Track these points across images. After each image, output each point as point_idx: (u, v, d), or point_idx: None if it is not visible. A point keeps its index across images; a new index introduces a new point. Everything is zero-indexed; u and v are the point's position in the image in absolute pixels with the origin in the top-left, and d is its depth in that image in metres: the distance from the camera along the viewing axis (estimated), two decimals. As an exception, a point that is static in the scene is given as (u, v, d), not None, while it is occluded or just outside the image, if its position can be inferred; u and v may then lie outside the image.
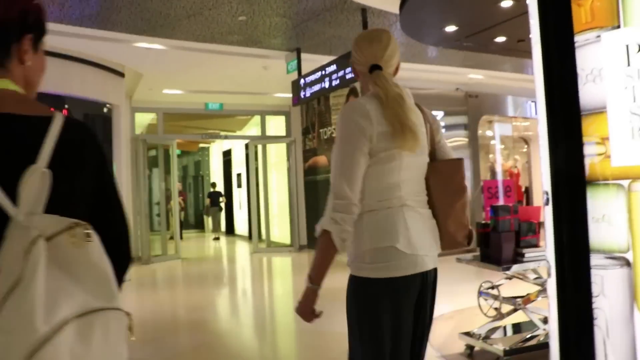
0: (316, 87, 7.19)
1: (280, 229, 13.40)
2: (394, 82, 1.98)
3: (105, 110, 8.66)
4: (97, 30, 6.74)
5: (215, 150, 20.08)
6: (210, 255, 13.22)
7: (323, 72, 7.05)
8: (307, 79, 7.48)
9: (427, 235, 1.91)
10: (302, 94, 7.60)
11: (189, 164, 23.31)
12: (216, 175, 19.94)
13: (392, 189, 1.87)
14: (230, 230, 17.97)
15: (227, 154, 18.42)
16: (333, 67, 6.79)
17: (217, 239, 16.47)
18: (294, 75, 7.88)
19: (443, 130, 2.23)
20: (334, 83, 6.76)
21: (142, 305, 7.18)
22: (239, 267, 11.19)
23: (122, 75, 8.85)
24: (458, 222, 1.98)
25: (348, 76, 6.40)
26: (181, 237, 16.54)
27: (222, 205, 17.05)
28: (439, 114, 10.27)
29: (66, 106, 8.01)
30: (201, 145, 20.56)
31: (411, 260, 1.84)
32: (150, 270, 10.27)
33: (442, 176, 1.99)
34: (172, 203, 14.68)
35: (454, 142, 10.43)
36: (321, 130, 11.85)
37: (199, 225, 20.39)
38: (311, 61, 7.57)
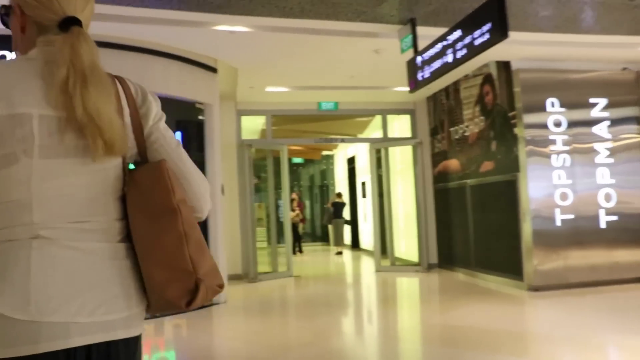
0: (437, 64, 5.48)
1: (407, 244, 11.71)
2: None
3: (196, 110, 7.57)
4: (168, 12, 5.60)
5: (340, 157, 18.87)
6: (326, 273, 11.80)
7: (445, 43, 5.33)
8: (424, 55, 5.79)
9: (81, 287, 1.24)
10: (419, 75, 5.92)
11: (315, 173, 22.35)
12: (341, 184, 18.73)
13: (14, 211, 1.24)
14: (355, 244, 16.56)
15: (351, 161, 17.11)
16: (457, 34, 5.06)
17: (339, 253, 15.13)
18: (411, 57, 6.24)
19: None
20: (460, 54, 5.02)
21: (236, 333, 5.89)
22: (355, 290, 9.65)
23: (213, 70, 7.74)
24: (168, 266, 1.29)
25: (478, 41, 4.64)
26: (300, 251, 15.48)
27: (346, 216, 15.70)
28: (600, 102, 8.05)
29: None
30: (325, 152, 19.44)
31: (27, 331, 1.16)
32: (253, 290, 9.07)
33: (140, 191, 1.33)
34: (291, 214, 13.76)
35: (621, 142, 8.14)
36: (452, 129, 10.04)
37: (325, 238, 19.25)
38: (428, 38, 5.89)
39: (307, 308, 7.51)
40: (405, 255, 11.68)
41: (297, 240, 15.65)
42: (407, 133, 11.31)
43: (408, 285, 9.67)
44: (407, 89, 6.96)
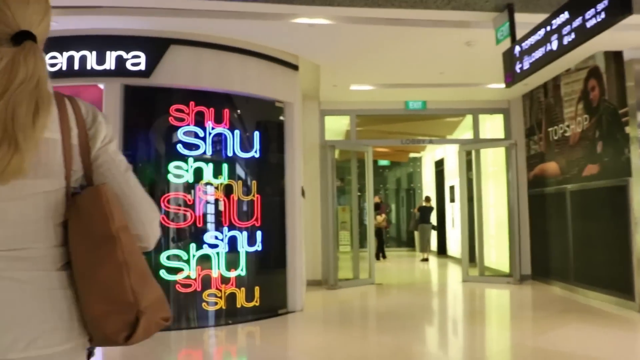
0: (538, 53, 4.83)
1: (497, 253, 10.94)
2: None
3: (276, 109, 7.27)
4: (246, 4, 5.30)
5: (427, 160, 18.17)
6: (410, 281, 11.20)
7: (548, 28, 4.68)
8: (523, 44, 5.15)
9: (14, 320, 1.16)
10: (517, 66, 5.28)
11: (401, 176, 21.71)
12: (428, 187, 18.02)
13: None
14: (441, 250, 15.81)
15: (439, 164, 16.38)
16: (564, 17, 4.40)
17: (425, 260, 14.49)
18: (507, 48, 5.61)
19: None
20: (567, 40, 4.35)
21: (310, 344, 5.52)
22: (440, 301, 9.04)
23: (294, 67, 7.42)
24: (107, 298, 1.23)
25: (590, 23, 3.98)
26: (384, 256, 14.93)
27: (433, 222, 15.01)
28: None
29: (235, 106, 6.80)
30: (412, 155, 18.78)
31: None
32: (332, 297, 8.67)
33: (80, 216, 1.27)
34: (378, 219, 13.37)
35: None
36: (550, 130, 9.22)
37: (411, 243, 18.60)
38: (527, 25, 5.24)
39: (388, 320, 7.02)
40: (496, 264, 10.91)
41: (381, 245, 15.15)
42: (500, 134, 10.55)
43: (498, 298, 8.94)
44: (501, 86, 6.36)
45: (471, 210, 10.78)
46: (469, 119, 10.88)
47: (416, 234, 16.14)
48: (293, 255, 7.24)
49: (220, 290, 6.50)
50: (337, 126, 11.28)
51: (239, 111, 6.95)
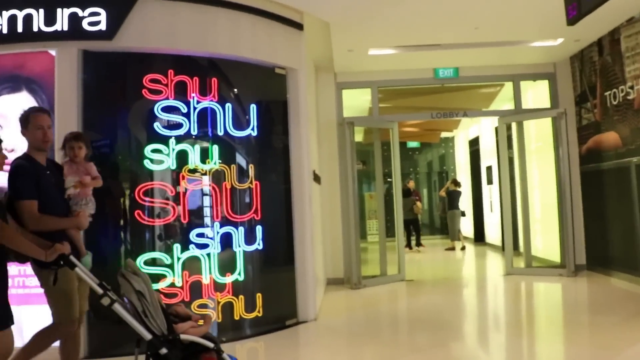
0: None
1: (545, 240, 9.55)
2: None
3: (276, 77, 6.03)
4: None
5: (461, 139, 16.74)
6: (445, 275, 9.84)
7: None
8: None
9: None
10: (583, -4, 3.93)
11: (433, 158, 20.27)
12: (462, 169, 16.61)
13: None
14: (479, 237, 14.42)
15: (474, 143, 14.95)
16: None
17: (453, 249, 13.26)
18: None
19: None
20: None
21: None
22: (481, 301, 7.72)
23: (298, 26, 6.17)
24: None
25: None
26: (419, 244, 13.61)
27: (462, 207, 13.67)
28: None
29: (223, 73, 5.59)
30: (444, 134, 17.34)
31: None
32: (355, 299, 7.44)
33: None
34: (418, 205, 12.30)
35: None
36: (607, 94, 7.79)
37: (445, 230, 17.22)
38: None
39: (420, 330, 5.76)
40: (543, 253, 9.53)
41: (418, 234, 13.83)
42: (546, 103, 9.12)
43: (553, 296, 7.55)
44: (548, 43, 5.02)
45: (513, 192, 9.40)
46: (508, 87, 9.45)
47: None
48: (303, 253, 6.01)
49: (214, 300, 5.32)
50: (357, 103, 9.99)
51: (230, 80, 5.72)
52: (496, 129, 12.18)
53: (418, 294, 7.79)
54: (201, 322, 3.31)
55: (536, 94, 9.50)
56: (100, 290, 3.08)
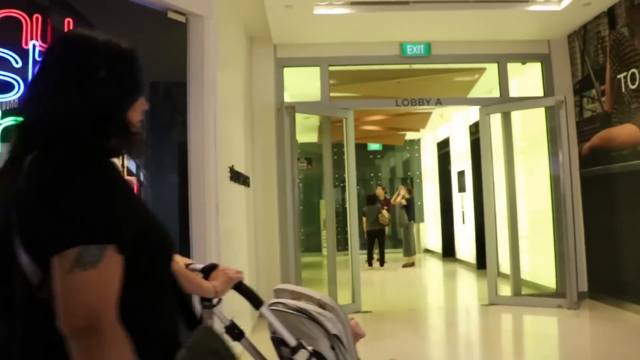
0: None
1: (534, 260, 7.77)
2: None
3: (172, 27, 4.03)
4: None
5: (428, 142, 15.00)
6: (412, 304, 7.83)
7: None
8: None
9: None
10: None
11: (396, 163, 18.45)
12: (428, 176, 14.86)
13: None
14: (448, 252, 12.62)
15: (443, 146, 13.19)
16: None
17: (409, 265, 11.51)
18: None
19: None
20: None
21: None
22: (465, 347, 5.81)
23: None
24: None
25: None
26: (382, 264, 11.68)
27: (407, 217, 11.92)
28: None
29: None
30: (410, 136, 15.54)
31: None
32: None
33: None
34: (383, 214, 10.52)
35: None
36: (621, 76, 6.03)
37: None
38: None
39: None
40: (532, 276, 7.74)
41: (382, 249, 11.84)
42: (538, 90, 7.33)
43: (554, 339, 5.68)
44: (550, 7, 3.19)
45: (492, 200, 7.55)
46: (492, 70, 7.62)
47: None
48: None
49: None
50: (310, 90, 8.01)
51: (94, 24, 3.68)
52: (471, 127, 10.43)
53: (377, 334, 5.80)
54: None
55: (525, 79, 7.73)
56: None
